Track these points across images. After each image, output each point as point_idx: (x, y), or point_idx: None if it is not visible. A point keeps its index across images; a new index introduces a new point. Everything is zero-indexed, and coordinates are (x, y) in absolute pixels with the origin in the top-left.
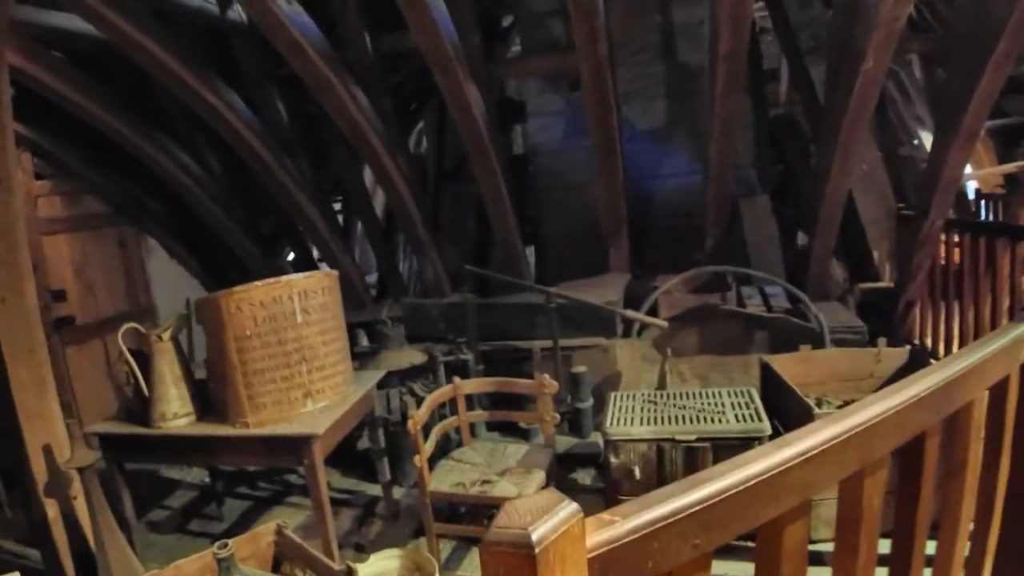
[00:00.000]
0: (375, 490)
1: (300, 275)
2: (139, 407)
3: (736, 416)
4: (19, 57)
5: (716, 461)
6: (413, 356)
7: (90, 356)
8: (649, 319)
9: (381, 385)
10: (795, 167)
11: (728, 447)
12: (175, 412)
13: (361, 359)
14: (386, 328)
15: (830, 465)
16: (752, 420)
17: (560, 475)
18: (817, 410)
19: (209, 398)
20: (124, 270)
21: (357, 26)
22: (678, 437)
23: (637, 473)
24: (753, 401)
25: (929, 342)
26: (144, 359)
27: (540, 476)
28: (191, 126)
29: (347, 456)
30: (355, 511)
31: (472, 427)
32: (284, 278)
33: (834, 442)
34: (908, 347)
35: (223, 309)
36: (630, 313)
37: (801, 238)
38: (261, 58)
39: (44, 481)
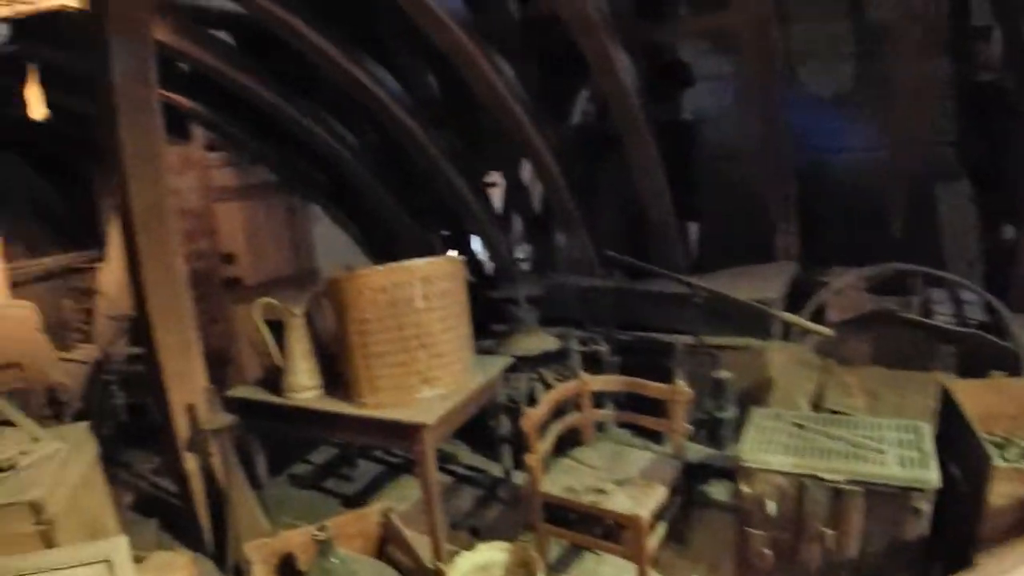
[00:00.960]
0: (501, 471)
1: (422, 261)
2: (274, 376)
3: (899, 458)
4: (182, 39)
5: (869, 509)
6: (545, 342)
7: (268, 311)
8: (810, 326)
9: (512, 368)
10: (1004, 145)
11: (883, 495)
12: (303, 384)
13: (494, 340)
14: (519, 309)
15: None
16: (916, 466)
17: (692, 486)
18: (998, 461)
19: (336, 374)
20: (291, 235)
21: None
22: (824, 475)
23: (772, 508)
24: (922, 440)
25: None
26: (281, 331)
27: (660, 493)
28: (348, 100)
29: (480, 432)
30: (477, 491)
31: (599, 422)
32: (406, 263)
33: None
34: None
35: (345, 292)
36: (788, 316)
37: (1008, 232)
38: (408, 30)
39: (185, 437)
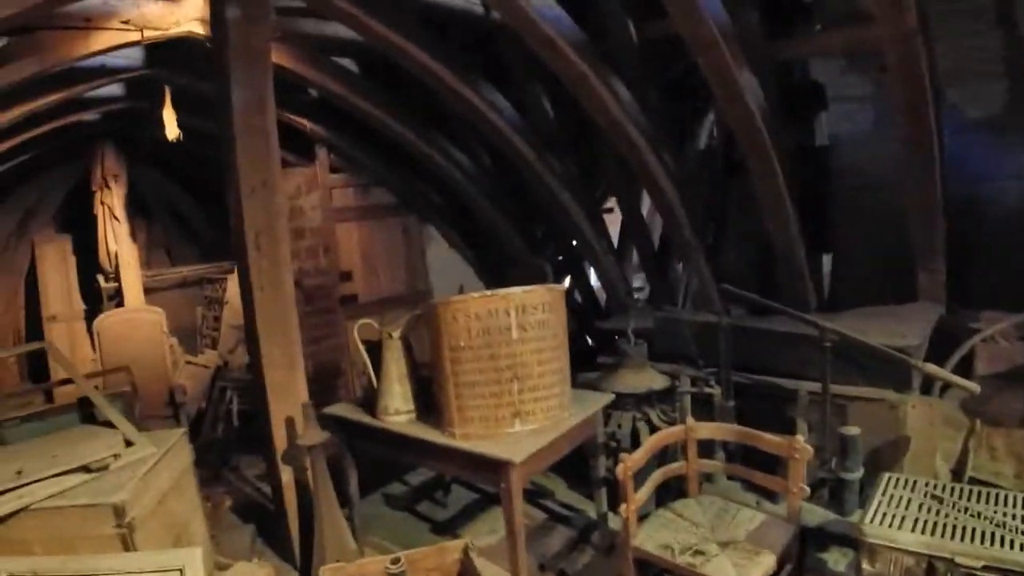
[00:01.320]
0: (596, 514)
1: (519, 289)
2: (372, 396)
3: None
4: (305, 65)
5: None
6: (652, 379)
7: (368, 331)
8: (954, 378)
9: (615, 405)
10: None
11: None
12: (396, 408)
13: (598, 374)
14: (625, 342)
15: None
16: None
17: (807, 553)
18: None
19: (430, 400)
20: (406, 255)
21: (618, 13)
22: (959, 560)
23: None
24: None
25: None
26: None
27: (769, 561)
28: (465, 124)
29: (579, 468)
30: (571, 532)
31: (707, 473)
32: (502, 291)
33: None
34: None
35: (440, 317)
36: (928, 367)
37: None
38: (524, 56)
39: (282, 449)
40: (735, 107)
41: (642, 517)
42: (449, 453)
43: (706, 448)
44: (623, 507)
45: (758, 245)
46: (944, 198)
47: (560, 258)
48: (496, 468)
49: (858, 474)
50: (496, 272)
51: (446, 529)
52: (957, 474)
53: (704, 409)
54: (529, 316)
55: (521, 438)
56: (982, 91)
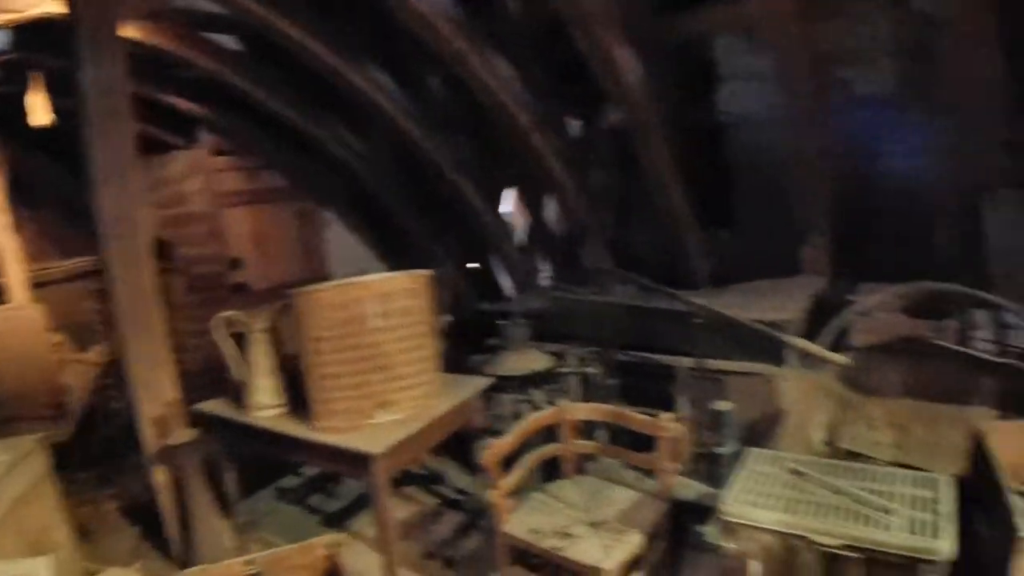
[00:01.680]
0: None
1: (378, 276)
2: (241, 392)
3: (909, 520)
4: (180, 44)
5: None
6: (536, 361)
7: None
8: (821, 352)
9: (500, 388)
10: None
11: (885, 564)
12: (264, 402)
13: (482, 358)
14: (508, 325)
15: None
16: (927, 533)
17: (687, 527)
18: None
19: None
20: (302, 240)
21: None
22: (815, 538)
23: (757, 570)
24: (940, 499)
25: None
26: None
27: (635, 540)
28: (355, 105)
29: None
30: (461, 517)
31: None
32: (361, 279)
33: None
34: None
35: (302, 308)
36: (796, 341)
37: None
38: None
39: (153, 450)
40: (613, 83)
41: None
42: (315, 448)
43: (590, 432)
44: (492, 493)
45: (657, 224)
46: (835, 173)
47: (463, 242)
48: (358, 461)
49: (730, 448)
50: (398, 256)
51: (337, 521)
52: (834, 446)
53: (592, 389)
54: (392, 304)
55: (386, 429)
56: (873, 69)
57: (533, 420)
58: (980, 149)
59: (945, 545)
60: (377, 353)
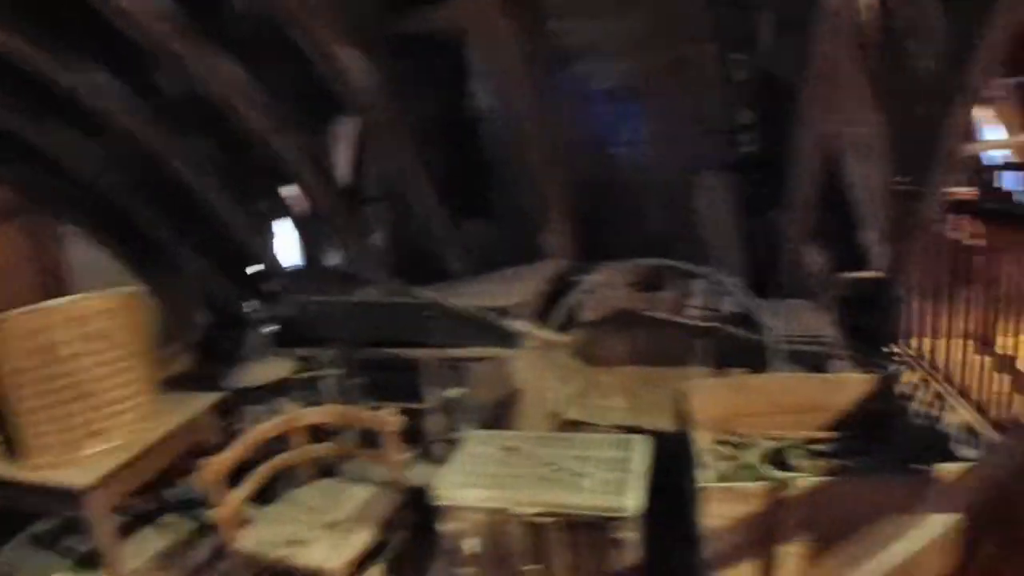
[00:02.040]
0: None
1: (69, 299)
2: None
3: (601, 482)
4: None
5: (575, 544)
6: (276, 369)
7: None
8: (541, 333)
9: (252, 400)
10: (771, 131)
11: (584, 527)
12: None
13: (220, 370)
14: (249, 334)
15: None
16: (612, 492)
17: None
18: (706, 479)
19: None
20: (36, 261)
21: None
22: (516, 509)
23: (475, 546)
24: (631, 459)
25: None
26: None
27: (364, 536)
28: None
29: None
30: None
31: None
32: (49, 304)
33: None
34: (879, 372)
35: None
36: (515, 324)
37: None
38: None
39: None
40: (343, 86)
41: None
42: (22, 488)
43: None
44: (216, 511)
45: (410, 219)
46: (569, 163)
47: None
48: (68, 497)
49: (466, 433)
50: (151, 267)
51: (91, 560)
52: (558, 417)
53: (351, 390)
54: (88, 327)
55: (96, 460)
56: (603, 65)
57: (258, 431)
58: (690, 137)
59: (628, 502)
60: (77, 381)
